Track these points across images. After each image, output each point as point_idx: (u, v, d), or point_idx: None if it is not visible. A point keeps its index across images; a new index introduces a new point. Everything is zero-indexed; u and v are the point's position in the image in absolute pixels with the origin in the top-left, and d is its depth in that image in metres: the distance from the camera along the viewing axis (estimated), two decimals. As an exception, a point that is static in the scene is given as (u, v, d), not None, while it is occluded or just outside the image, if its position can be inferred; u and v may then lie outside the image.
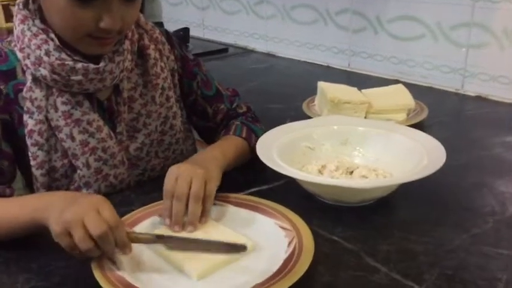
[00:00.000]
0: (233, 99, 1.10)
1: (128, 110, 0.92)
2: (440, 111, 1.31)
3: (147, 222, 0.78)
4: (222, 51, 2.09)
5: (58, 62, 0.81)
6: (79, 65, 0.82)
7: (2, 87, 0.84)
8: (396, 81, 1.57)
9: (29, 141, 0.84)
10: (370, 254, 0.72)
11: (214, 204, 0.81)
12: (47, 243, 0.74)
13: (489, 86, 1.41)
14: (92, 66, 0.83)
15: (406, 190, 0.87)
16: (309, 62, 1.89)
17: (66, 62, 0.81)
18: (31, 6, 0.84)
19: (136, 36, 0.92)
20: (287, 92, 1.57)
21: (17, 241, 0.76)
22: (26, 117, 0.84)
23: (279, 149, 0.89)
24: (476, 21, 1.40)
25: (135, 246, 0.70)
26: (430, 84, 1.55)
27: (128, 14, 0.80)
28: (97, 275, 0.64)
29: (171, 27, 2.23)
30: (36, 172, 0.86)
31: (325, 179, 0.83)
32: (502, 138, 1.14)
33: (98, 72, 0.84)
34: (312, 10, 1.83)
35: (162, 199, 0.79)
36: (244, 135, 0.98)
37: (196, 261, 0.67)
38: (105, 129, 0.88)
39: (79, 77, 0.83)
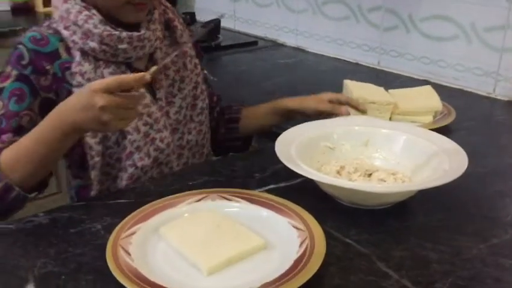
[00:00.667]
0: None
1: (164, 77, 1.00)
2: (469, 115, 1.28)
3: (158, 217, 0.78)
4: (251, 43, 2.09)
5: (107, 32, 0.90)
6: (124, 34, 0.91)
7: (48, 67, 0.91)
8: (426, 82, 1.54)
9: None
10: (383, 259, 0.71)
11: (230, 200, 0.82)
12: (67, 231, 0.77)
13: (522, 91, 1.37)
14: (135, 33, 0.92)
15: (425, 195, 0.85)
16: (338, 59, 1.87)
17: (113, 32, 0.90)
18: None
19: (162, 8, 1.03)
20: (314, 89, 1.54)
21: (37, 226, 0.78)
22: (77, 90, 0.89)
23: (298, 147, 0.88)
24: (511, 24, 1.35)
25: (151, 242, 0.72)
26: (461, 86, 1.51)
27: None
28: (110, 264, 0.65)
29: (202, 17, 2.25)
30: (91, 141, 0.92)
31: (341, 181, 0.82)
32: (531, 146, 1.10)
33: (140, 39, 0.93)
34: (344, 6, 1.80)
35: (180, 191, 0.83)
36: None
37: (208, 257, 0.68)
38: (148, 96, 0.96)
39: (125, 45, 0.92)
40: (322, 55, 1.93)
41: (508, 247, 0.74)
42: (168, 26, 1.04)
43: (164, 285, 0.62)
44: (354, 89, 1.23)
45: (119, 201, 0.86)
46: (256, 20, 2.19)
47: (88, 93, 0.75)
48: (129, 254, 0.68)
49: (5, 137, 0.89)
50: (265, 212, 0.79)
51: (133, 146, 0.95)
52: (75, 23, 0.90)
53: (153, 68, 0.80)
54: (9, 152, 0.83)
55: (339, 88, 1.36)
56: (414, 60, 1.63)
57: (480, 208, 0.85)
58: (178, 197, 0.82)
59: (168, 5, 1.07)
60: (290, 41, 2.06)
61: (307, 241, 0.71)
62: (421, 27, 1.58)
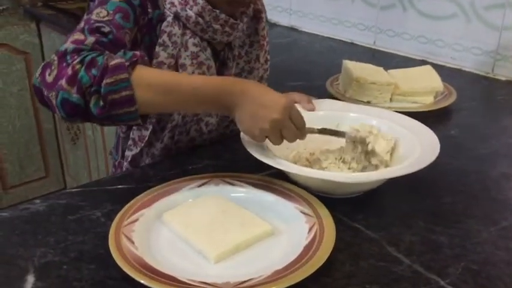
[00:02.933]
0: None
1: (235, 65, 1.00)
2: (469, 96, 1.27)
3: (161, 202, 0.75)
4: (244, 23, 2.04)
5: (209, 7, 0.89)
6: (222, 15, 0.90)
7: (150, 10, 0.88)
8: (423, 62, 1.52)
9: None
10: (393, 243, 0.69)
11: (234, 185, 0.79)
12: (65, 218, 0.74)
13: (521, 71, 1.36)
14: (232, 20, 0.92)
15: (431, 177, 0.84)
16: (333, 38, 1.84)
17: (214, 10, 0.89)
18: None
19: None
20: (310, 69, 1.53)
21: (34, 214, 0.75)
22: (158, 48, 0.89)
23: None
24: (511, 2, 1.33)
25: (154, 228, 0.70)
26: (459, 66, 1.49)
27: None
28: (114, 253, 0.63)
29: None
30: None
31: (310, 171, 0.77)
32: (533, 126, 1.09)
33: (231, 27, 0.92)
34: (339, -16, 1.77)
35: (180, 176, 0.80)
36: None
37: (214, 244, 0.66)
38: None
39: (217, 26, 0.91)
40: (317, 35, 1.90)
41: (517, 230, 0.73)
42: (254, 16, 1.01)
43: (171, 274, 0.60)
44: (354, 69, 1.21)
45: (118, 186, 0.83)
46: (248, -2, 2.14)
47: (279, 102, 0.73)
48: (132, 242, 0.66)
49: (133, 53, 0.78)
50: (271, 197, 0.77)
51: (183, 120, 0.95)
52: None
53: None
54: (152, 74, 0.77)
55: (335, 68, 1.34)
56: (411, 40, 1.61)
57: (487, 190, 0.84)
58: (180, 182, 0.80)
59: None
60: (283, 20, 2.02)
61: (315, 226, 0.69)
62: (419, 6, 1.56)
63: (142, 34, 0.89)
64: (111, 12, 0.82)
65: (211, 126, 0.99)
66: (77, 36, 0.78)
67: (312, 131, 0.82)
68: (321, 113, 0.94)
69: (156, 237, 0.69)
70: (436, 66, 1.32)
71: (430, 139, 0.82)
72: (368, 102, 1.16)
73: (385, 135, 0.85)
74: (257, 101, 0.74)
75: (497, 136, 1.05)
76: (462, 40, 1.48)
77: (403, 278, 0.63)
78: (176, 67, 0.90)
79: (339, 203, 0.77)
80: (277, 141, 0.76)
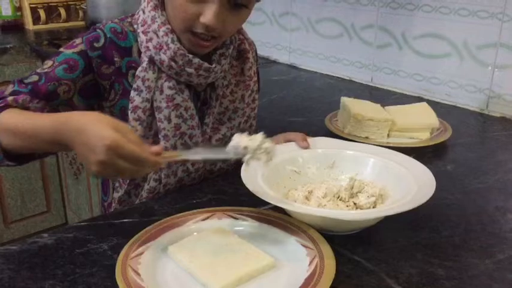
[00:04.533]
0: None
1: (218, 104, 1.00)
2: (464, 132, 1.30)
3: (165, 236, 0.78)
4: (245, 61, 2.10)
5: (181, 51, 0.90)
6: (196, 60, 0.92)
7: (117, 59, 0.93)
8: (419, 98, 1.57)
9: (131, 116, 0.93)
10: (392, 275, 0.71)
11: (236, 218, 0.82)
12: (73, 251, 0.76)
13: (514, 107, 1.40)
14: (206, 65, 0.93)
15: (429, 211, 0.86)
16: (331, 76, 1.90)
17: (187, 54, 0.91)
18: None
19: (238, 42, 1.02)
20: (309, 106, 1.57)
21: (42, 248, 0.77)
22: (133, 93, 0.93)
23: (264, 173, 0.85)
24: (503, 42, 1.39)
25: (160, 261, 0.72)
26: (454, 103, 1.54)
27: (230, 20, 0.88)
28: (121, 285, 0.64)
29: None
30: None
31: (311, 209, 0.79)
32: (527, 161, 1.12)
33: (207, 71, 0.94)
34: (337, 24, 1.83)
35: (184, 210, 0.83)
36: None
37: (218, 277, 0.68)
38: (196, 119, 0.97)
39: (191, 70, 0.92)
40: (316, 72, 1.95)
41: (511, 262, 0.75)
42: (240, 56, 1.03)
43: (177, 306, 0.62)
44: (352, 106, 1.25)
45: (123, 220, 0.85)
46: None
47: (102, 143, 0.68)
48: (138, 274, 0.68)
49: (23, 97, 0.87)
50: (272, 231, 0.79)
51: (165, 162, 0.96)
52: (155, 32, 0.92)
53: (171, 154, 0.80)
54: (13, 115, 0.83)
55: (333, 104, 1.38)
56: (407, 77, 1.66)
57: (483, 224, 0.86)
58: (185, 216, 0.82)
59: (247, 36, 1.06)
60: (283, 58, 2.08)
61: (316, 259, 0.71)
62: (414, 45, 1.61)
63: (111, 82, 0.94)
64: (57, 63, 0.91)
65: (198, 164, 1.00)
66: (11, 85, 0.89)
67: (174, 156, 0.80)
68: (319, 151, 0.97)
69: (161, 270, 0.71)
70: (431, 103, 1.36)
71: (426, 176, 0.85)
72: (366, 138, 1.19)
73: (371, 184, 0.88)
74: (84, 141, 0.70)
75: (492, 171, 1.08)
76: (456, 78, 1.52)
77: (402, 309, 0.65)
78: (152, 110, 0.93)
79: (338, 237, 0.79)
80: (116, 178, 0.75)
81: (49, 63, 0.92)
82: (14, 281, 0.69)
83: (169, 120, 0.94)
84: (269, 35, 2.10)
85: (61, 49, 0.93)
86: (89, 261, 0.74)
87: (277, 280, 0.69)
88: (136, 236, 0.76)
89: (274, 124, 1.35)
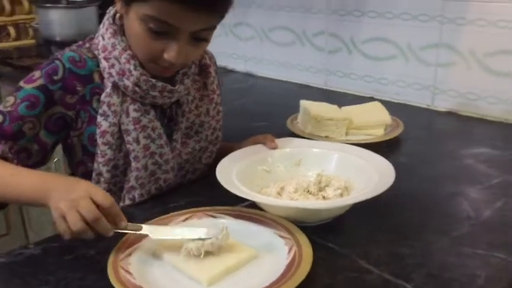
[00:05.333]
0: None
1: (184, 120, 1.03)
2: (414, 126, 1.41)
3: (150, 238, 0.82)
4: (201, 71, 2.15)
5: (144, 77, 0.93)
6: (159, 84, 0.94)
7: (79, 88, 0.95)
8: (371, 98, 1.66)
9: (100, 140, 0.95)
10: (363, 257, 0.79)
11: (215, 217, 0.87)
12: (62, 258, 0.79)
13: (457, 102, 1.53)
14: (169, 87, 0.96)
15: (389, 199, 0.94)
16: (287, 81, 1.98)
17: (150, 79, 0.93)
18: (117, 22, 0.95)
19: (198, 57, 1.04)
20: (269, 111, 1.64)
21: (29, 258, 0.80)
22: (100, 119, 0.94)
23: (238, 173, 0.92)
24: (444, 42, 1.51)
25: (148, 261, 0.76)
26: (403, 100, 1.65)
27: (192, 52, 0.91)
28: (115, 283, 0.68)
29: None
30: (103, 168, 0.96)
31: (285, 202, 0.87)
32: (472, 150, 1.23)
33: (171, 92, 0.97)
34: (290, 32, 1.92)
35: (163, 214, 0.87)
36: None
37: (206, 269, 0.73)
38: (164, 137, 0.99)
39: (156, 93, 0.95)
40: (272, 79, 2.03)
41: (466, 238, 0.84)
42: (201, 70, 1.06)
43: (172, 298, 0.66)
44: (311, 108, 1.32)
45: (106, 227, 0.89)
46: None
47: (82, 190, 0.76)
48: (130, 273, 0.72)
49: None
50: (251, 226, 0.84)
51: (138, 182, 0.98)
52: (116, 58, 0.93)
53: (130, 228, 0.79)
54: None
55: (292, 108, 1.45)
56: (358, 79, 1.76)
57: (438, 206, 0.96)
58: (166, 218, 0.86)
59: (207, 50, 1.08)
60: (240, 67, 2.15)
61: (294, 247, 0.77)
62: (363, 49, 1.72)
63: (77, 111, 0.95)
64: (18, 101, 0.92)
65: (169, 180, 1.02)
66: None
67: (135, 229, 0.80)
68: (286, 150, 1.04)
69: (150, 269, 0.75)
70: (382, 102, 1.46)
71: (385, 166, 0.93)
72: (326, 137, 1.27)
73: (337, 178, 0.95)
74: (66, 186, 0.79)
75: (442, 160, 1.18)
76: (403, 77, 1.64)
77: (375, 285, 0.72)
78: (120, 133, 0.95)
79: (311, 228, 0.86)
80: (81, 229, 0.75)
81: (11, 100, 0.92)
82: (8, 290, 0.72)
83: (138, 142, 0.96)
84: (225, 45, 2.17)
85: (21, 83, 0.94)
86: (78, 266, 0.77)
87: (261, 269, 0.75)
88: (123, 239, 0.79)
89: (239, 130, 1.40)
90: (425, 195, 1.00)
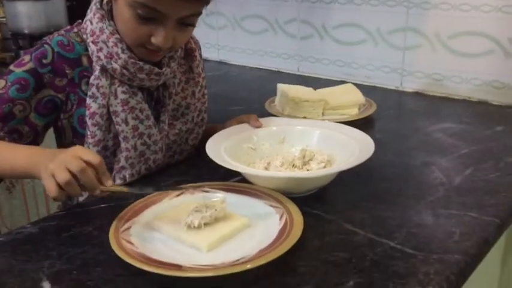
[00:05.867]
0: None
1: (171, 102, 1.06)
2: (385, 106, 1.48)
3: (147, 212, 0.85)
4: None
5: (132, 60, 0.96)
6: (147, 66, 0.97)
7: (68, 71, 0.98)
8: (343, 82, 1.72)
9: (89, 122, 0.97)
10: (348, 221, 0.84)
11: (207, 191, 0.91)
12: (60, 235, 0.82)
13: (424, 83, 1.61)
14: (156, 70, 0.98)
15: (368, 170, 1.00)
16: (260, 68, 2.03)
17: (137, 61, 0.96)
18: (104, 7, 0.97)
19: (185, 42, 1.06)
20: (245, 96, 1.69)
21: (28, 236, 0.82)
22: (89, 100, 0.97)
23: (226, 150, 0.97)
24: (410, 26, 1.59)
25: (147, 234, 0.79)
26: (373, 83, 1.73)
27: (180, 36, 0.93)
28: (118, 252, 0.71)
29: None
30: (93, 149, 0.98)
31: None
32: (439, 125, 1.32)
33: (158, 75, 0.99)
34: (262, 20, 1.96)
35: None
36: None
37: (204, 236, 0.77)
38: (152, 118, 1.03)
39: (143, 75, 0.98)
40: (245, 66, 2.08)
41: (440, 202, 0.91)
42: (187, 54, 1.09)
43: (175, 262, 0.70)
44: (288, 91, 1.38)
45: (100, 206, 0.92)
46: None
47: (71, 150, 0.80)
48: (132, 243, 0.75)
49: None
50: (243, 198, 0.89)
51: (128, 162, 1.01)
52: (104, 42, 0.95)
53: (116, 188, 0.85)
54: None
55: (267, 92, 1.50)
56: (330, 64, 1.82)
57: (413, 175, 1.03)
58: (160, 195, 0.89)
59: (193, 35, 1.11)
60: (213, 55, 2.19)
61: (285, 215, 0.82)
62: (333, 34, 1.78)
63: (66, 94, 0.98)
64: (9, 84, 0.95)
65: (159, 161, 1.06)
66: None
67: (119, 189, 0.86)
68: (272, 128, 1.10)
69: (151, 240, 0.78)
70: (354, 85, 1.53)
71: (365, 139, 0.99)
72: (304, 117, 1.33)
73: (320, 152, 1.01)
74: (55, 152, 0.83)
75: (413, 135, 1.26)
76: (373, 61, 1.71)
77: (362, 244, 0.78)
78: (109, 115, 0.98)
79: (299, 199, 0.91)
80: (73, 188, 0.79)
81: (2, 83, 0.95)
82: (11, 265, 0.74)
83: (126, 123, 0.99)
84: (197, 35, 2.17)
85: (11, 67, 0.96)
86: (78, 241, 0.80)
87: (255, 235, 0.80)
88: (120, 214, 0.82)
89: (218, 114, 1.43)
90: (401, 166, 1.07)
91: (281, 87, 1.41)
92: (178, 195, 0.90)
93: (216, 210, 0.81)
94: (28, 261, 0.75)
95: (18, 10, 2.25)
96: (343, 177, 0.95)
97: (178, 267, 0.69)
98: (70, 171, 0.77)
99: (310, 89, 1.44)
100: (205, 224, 0.80)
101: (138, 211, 0.84)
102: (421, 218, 0.85)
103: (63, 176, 0.77)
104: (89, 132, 0.98)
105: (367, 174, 1.01)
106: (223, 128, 1.12)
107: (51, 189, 0.78)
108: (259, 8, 1.96)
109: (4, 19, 2.38)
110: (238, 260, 0.71)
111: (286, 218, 0.81)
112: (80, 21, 1.03)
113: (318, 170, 0.95)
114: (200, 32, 2.16)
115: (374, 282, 0.69)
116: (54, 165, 0.78)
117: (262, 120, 1.11)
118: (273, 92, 1.46)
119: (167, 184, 1.00)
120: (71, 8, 2.36)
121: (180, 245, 0.78)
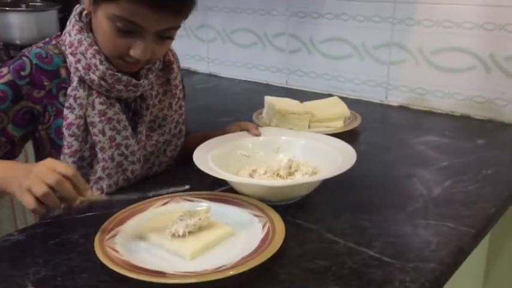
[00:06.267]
0: None
1: (148, 113, 1.07)
2: (370, 119, 1.51)
3: (132, 221, 0.87)
4: (165, 73, 2.20)
5: (110, 72, 0.97)
6: (125, 78, 0.98)
7: (46, 83, 0.98)
8: (329, 95, 1.76)
9: (66, 132, 0.98)
10: (329, 231, 0.86)
11: (192, 201, 0.93)
12: (47, 242, 0.83)
13: (408, 97, 1.64)
14: (134, 81, 1.00)
15: (352, 180, 1.03)
16: (249, 81, 2.06)
17: (115, 73, 0.97)
18: (83, 19, 0.99)
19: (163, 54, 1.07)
20: (234, 108, 1.71)
21: (15, 243, 0.83)
22: (66, 111, 0.98)
23: (215, 155, 1.01)
24: (395, 42, 1.63)
25: (132, 242, 0.81)
26: (359, 96, 1.76)
27: (158, 49, 0.96)
28: (103, 259, 0.73)
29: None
30: (69, 160, 0.98)
31: (246, 179, 0.97)
32: (422, 138, 1.35)
33: (136, 86, 1.00)
34: (251, 33, 2.00)
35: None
36: None
37: (188, 244, 0.79)
38: (129, 129, 1.02)
39: (121, 87, 0.99)
40: (234, 79, 2.10)
41: (420, 212, 0.94)
42: (165, 66, 1.11)
43: (159, 269, 0.72)
44: (276, 103, 1.40)
45: (86, 214, 0.93)
46: (167, 50, 2.32)
47: (43, 164, 0.81)
48: (117, 251, 0.77)
49: None
50: (226, 207, 0.91)
51: (105, 172, 1.01)
52: (82, 53, 0.97)
53: (95, 197, 0.86)
54: None
55: (255, 105, 1.52)
56: (317, 78, 1.86)
57: (394, 186, 1.05)
58: (145, 203, 0.92)
59: (171, 48, 1.13)
60: (202, 68, 2.21)
61: (268, 224, 0.84)
62: (321, 48, 1.82)
63: (44, 105, 0.99)
64: None
65: (137, 171, 1.06)
66: None
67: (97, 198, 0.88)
68: (268, 138, 1.15)
69: (136, 248, 0.80)
70: (340, 98, 1.56)
71: (348, 150, 1.02)
72: (291, 129, 1.35)
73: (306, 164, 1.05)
74: (27, 168, 0.83)
75: (396, 147, 1.29)
76: (359, 75, 1.75)
77: (342, 253, 0.80)
78: (86, 125, 0.99)
79: (282, 207, 0.93)
80: (51, 200, 0.80)
81: None
82: (-1, 272, 0.75)
83: (103, 134, 0.99)
84: (188, 47, 2.22)
85: None
86: (64, 249, 0.81)
87: (238, 243, 0.82)
88: (106, 223, 0.84)
89: (208, 125, 1.47)
90: (383, 177, 1.10)
91: (268, 99, 1.44)
92: (163, 204, 0.92)
93: (200, 219, 0.83)
94: (14, 268, 0.76)
95: (10, 21, 2.27)
96: (327, 187, 0.98)
97: (162, 274, 0.71)
98: (47, 184, 0.78)
99: (297, 101, 1.47)
100: (190, 233, 0.82)
101: (124, 219, 0.86)
102: (400, 228, 0.88)
103: (40, 189, 0.78)
104: (65, 143, 0.99)
105: (350, 185, 1.03)
106: (224, 132, 1.17)
107: (29, 201, 0.79)
108: (248, 22, 1.99)
109: (-4, 30, 2.40)
110: (220, 267, 0.73)
111: (268, 227, 0.83)
112: (59, 33, 1.05)
113: (298, 178, 0.97)
114: (190, 44, 2.22)
115: (352, 289, 0.71)
116: (29, 181, 0.79)
117: (261, 129, 1.17)
118: (262, 104, 1.48)
119: (150, 196, 1.01)
120: (63, 19, 2.38)
121: (164, 253, 0.79)
